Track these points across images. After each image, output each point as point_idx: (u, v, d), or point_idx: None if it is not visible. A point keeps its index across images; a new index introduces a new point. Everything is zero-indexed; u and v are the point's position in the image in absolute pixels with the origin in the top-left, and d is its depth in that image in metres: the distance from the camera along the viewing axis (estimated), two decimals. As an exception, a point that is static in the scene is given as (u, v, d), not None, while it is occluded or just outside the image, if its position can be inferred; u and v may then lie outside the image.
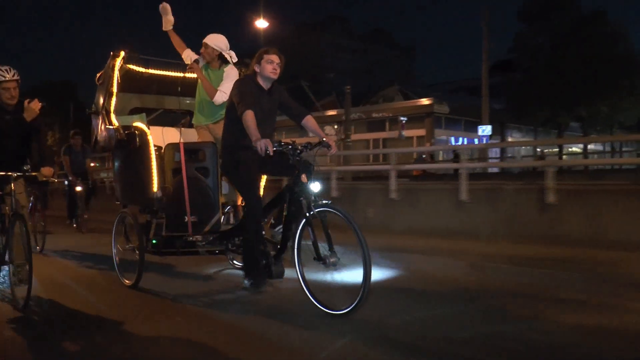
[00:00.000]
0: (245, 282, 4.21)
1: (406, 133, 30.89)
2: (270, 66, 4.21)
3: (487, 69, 24.47)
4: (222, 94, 4.92)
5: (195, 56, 5.24)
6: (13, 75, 4.42)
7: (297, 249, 4.00)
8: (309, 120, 4.38)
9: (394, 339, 3.37)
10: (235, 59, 5.17)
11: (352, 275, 3.90)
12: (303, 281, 3.97)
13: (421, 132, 31.99)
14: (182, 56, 5.32)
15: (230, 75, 5.02)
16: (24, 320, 3.98)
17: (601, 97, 27.95)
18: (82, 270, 6.03)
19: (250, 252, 4.22)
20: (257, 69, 4.26)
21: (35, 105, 4.52)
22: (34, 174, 4.43)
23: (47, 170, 4.42)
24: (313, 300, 3.89)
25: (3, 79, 4.38)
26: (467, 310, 4.13)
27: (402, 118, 30.72)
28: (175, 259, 5.68)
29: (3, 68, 4.42)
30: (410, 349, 3.19)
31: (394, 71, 33.55)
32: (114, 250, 5.18)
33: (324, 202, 3.89)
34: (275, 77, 4.27)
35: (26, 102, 4.52)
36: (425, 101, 32.19)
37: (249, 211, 4.25)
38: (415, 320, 3.77)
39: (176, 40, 5.35)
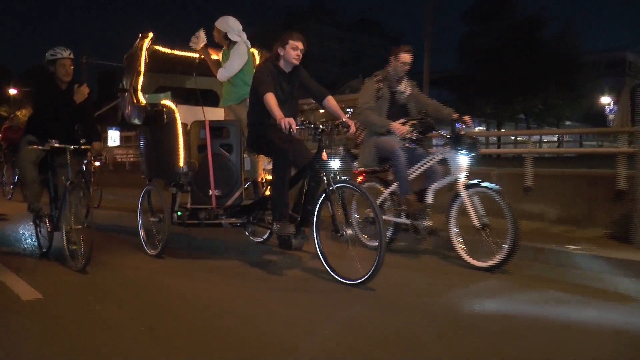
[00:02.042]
0: (274, 226, 4.44)
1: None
2: (294, 52, 4.45)
3: (428, 64, 26.32)
4: (222, 71, 5.26)
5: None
6: (69, 54, 4.97)
7: (316, 222, 4.25)
8: (329, 101, 4.62)
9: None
10: (245, 39, 5.41)
11: (367, 247, 4.14)
12: (321, 252, 4.21)
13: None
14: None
15: (234, 53, 5.27)
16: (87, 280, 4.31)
17: (533, 93, 31.79)
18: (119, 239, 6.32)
19: (278, 199, 4.43)
20: (280, 52, 4.49)
21: (85, 90, 5.00)
22: (87, 147, 4.84)
23: (97, 145, 4.96)
24: (330, 270, 4.14)
25: (61, 56, 4.93)
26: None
27: (348, 109, 31.44)
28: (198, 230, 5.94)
29: (60, 48, 4.97)
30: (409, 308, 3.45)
31: (381, 60, 33.85)
32: (140, 222, 5.47)
33: (342, 178, 4.14)
34: (297, 62, 4.52)
35: (76, 86, 4.98)
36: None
37: (277, 160, 4.45)
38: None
39: (209, 59, 5.55)
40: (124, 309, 3.55)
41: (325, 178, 4.13)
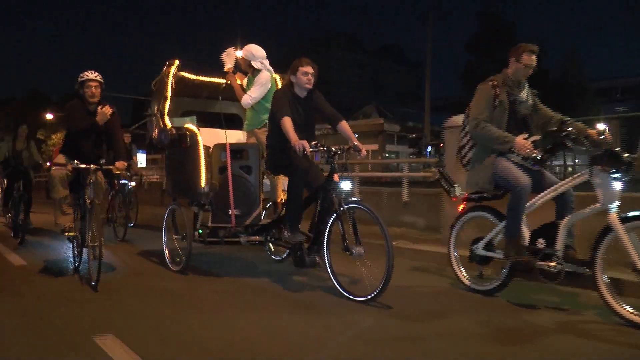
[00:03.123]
0: (285, 234, 4.72)
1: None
2: (305, 78, 4.71)
3: (429, 91, 27.26)
4: (248, 97, 5.52)
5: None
6: (95, 77, 5.27)
7: (327, 240, 4.43)
8: (343, 125, 4.85)
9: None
10: (268, 67, 5.68)
11: (376, 265, 4.21)
12: (331, 270, 4.40)
13: (374, 147, 37.39)
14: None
15: (259, 81, 5.56)
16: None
17: None
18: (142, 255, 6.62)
19: (292, 211, 4.71)
20: (293, 79, 4.76)
21: (107, 110, 5.21)
22: (109, 167, 5.12)
23: (120, 164, 5.18)
24: (339, 287, 4.31)
25: (87, 78, 5.25)
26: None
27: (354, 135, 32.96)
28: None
29: (88, 71, 5.30)
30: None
31: (402, 86, 34.86)
32: (164, 239, 5.74)
33: (353, 199, 4.33)
34: (310, 87, 4.77)
35: (99, 107, 5.22)
36: (377, 121, 36.42)
37: (293, 177, 4.68)
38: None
39: (235, 85, 5.79)
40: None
41: (336, 199, 4.33)
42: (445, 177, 4.74)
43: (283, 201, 5.56)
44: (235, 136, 5.95)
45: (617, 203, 3.67)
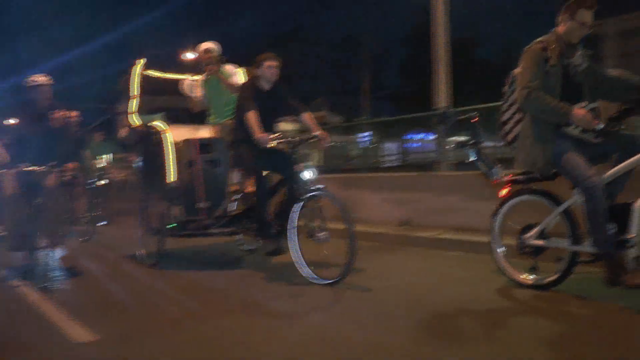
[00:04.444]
0: (259, 242, 4.90)
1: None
2: (269, 71, 4.86)
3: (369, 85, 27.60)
4: (200, 99, 5.87)
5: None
6: (46, 80, 5.24)
7: (294, 227, 4.57)
8: (307, 116, 5.01)
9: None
10: (221, 66, 5.88)
11: (340, 249, 4.31)
12: (301, 256, 4.53)
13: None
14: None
15: (233, 70, 5.83)
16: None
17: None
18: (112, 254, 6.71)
19: (260, 217, 4.87)
20: (258, 73, 4.90)
21: (61, 115, 5.23)
22: (59, 169, 5.12)
23: (71, 165, 5.19)
24: (308, 271, 4.46)
25: (37, 83, 5.20)
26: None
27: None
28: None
29: (37, 74, 5.27)
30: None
31: (365, 78, 36.02)
32: (139, 235, 5.85)
33: (316, 186, 4.48)
34: (274, 79, 4.92)
35: (55, 112, 5.22)
36: (319, 114, 38.95)
37: (258, 189, 4.86)
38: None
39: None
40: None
41: (301, 187, 4.50)
42: (483, 157, 4.16)
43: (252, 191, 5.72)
44: (205, 131, 6.07)
45: None
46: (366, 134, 19.58)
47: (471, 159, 4.12)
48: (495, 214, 4.14)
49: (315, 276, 4.41)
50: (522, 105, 3.68)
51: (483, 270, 4.47)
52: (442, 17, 13.26)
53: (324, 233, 4.37)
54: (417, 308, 3.65)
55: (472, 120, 3.98)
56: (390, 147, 17.61)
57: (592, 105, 3.68)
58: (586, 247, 3.58)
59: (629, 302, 3.37)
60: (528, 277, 3.93)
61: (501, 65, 41.01)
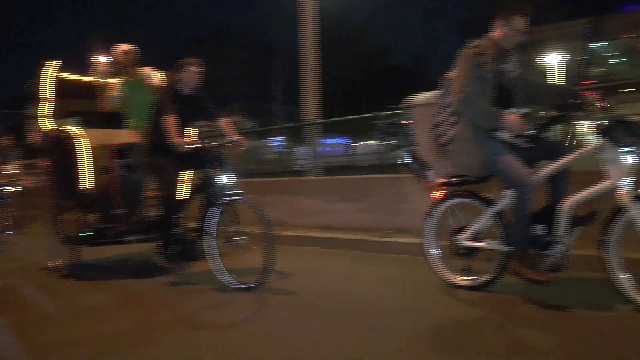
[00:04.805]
0: (164, 256, 4.81)
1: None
2: (193, 75, 4.83)
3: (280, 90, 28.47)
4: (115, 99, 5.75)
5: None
6: None
7: (212, 233, 4.52)
8: (224, 122, 5.01)
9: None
10: (136, 69, 5.80)
11: (258, 254, 4.31)
12: (219, 261, 4.49)
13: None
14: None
15: (152, 73, 5.76)
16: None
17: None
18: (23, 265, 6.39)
19: (167, 232, 4.81)
20: (179, 77, 4.85)
21: None
22: None
23: None
24: (227, 277, 4.43)
25: None
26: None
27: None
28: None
29: None
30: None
31: (279, 83, 36.91)
32: (51, 246, 5.61)
33: (234, 191, 4.46)
34: (196, 84, 4.88)
35: None
36: (235, 119, 39.75)
37: (166, 199, 4.81)
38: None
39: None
40: None
41: (218, 191, 4.47)
42: (418, 159, 4.17)
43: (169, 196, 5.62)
44: (122, 135, 5.91)
45: (630, 179, 3.20)
46: (279, 139, 19.65)
47: (405, 162, 4.11)
48: (428, 216, 4.17)
49: (235, 282, 4.39)
50: (456, 109, 3.71)
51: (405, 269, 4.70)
52: (311, 29, 14.02)
53: (242, 238, 4.36)
54: (347, 307, 3.75)
55: (404, 123, 4.04)
56: (303, 151, 17.86)
57: (524, 111, 3.73)
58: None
59: (563, 299, 3.56)
60: (462, 278, 3.99)
61: (414, 70, 42.97)
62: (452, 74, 3.81)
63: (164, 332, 3.50)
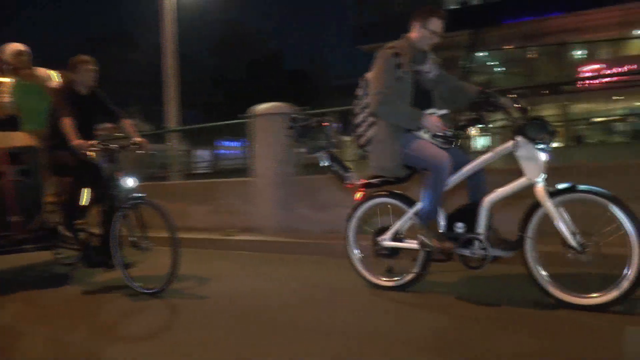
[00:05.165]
0: (76, 258, 4.71)
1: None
2: (86, 74, 4.74)
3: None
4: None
5: None
6: None
7: (115, 238, 4.45)
8: (125, 123, 4.96)
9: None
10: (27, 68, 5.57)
11: (164, 258, 4.23)
12: (122, 266, 4.44)
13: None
14: None
15: (47, 74, 5.56)
16: None
17: None
18: None
19: (73, 232, 4.73)
20: (73, 76, 4.74)
21: None
22: None
23: None
24: (131, 282, 4.38)
25: None
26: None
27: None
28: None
29: None
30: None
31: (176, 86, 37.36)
32: None
33: (137, 195, 4.39)
34: (93, 83, 4.82)
35: None
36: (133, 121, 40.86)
37: (67, 204, 4.72)
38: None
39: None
40: None
41: (120, 195, 4.40)
42: (338, 160, 4.12)
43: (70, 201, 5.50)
44: (15, 138, 5.68)
45: (543, 176, 3.30)
46: (176, 142, 19.39)
47: (324, 164, 4.07)
48: (349, 217, 4.16)
49: (142, 287, 4.33)
50: (375, 110, 3.71)
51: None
52: (170, 42, 14.47)
53: (146, 242, 4.32)
54: (255, 310, 3.73)
55: (323, 124, 4.02)
56: (202, 154, 17.84)
57: (442, 112, 3.77)
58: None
59: (483, 295, 3.65)
60: (385, 279, 3.99)
61: (310, 72, 44.88)
62: (369, 75, 3.84)
63: (83, 348, 3.28)
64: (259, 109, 6.73)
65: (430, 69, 3.83)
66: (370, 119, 3.87)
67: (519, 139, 3.32)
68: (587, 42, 28.33)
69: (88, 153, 4.34)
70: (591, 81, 22.26)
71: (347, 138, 6.16)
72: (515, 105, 3.39)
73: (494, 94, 3.47)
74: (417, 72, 3.76)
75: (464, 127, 3.66)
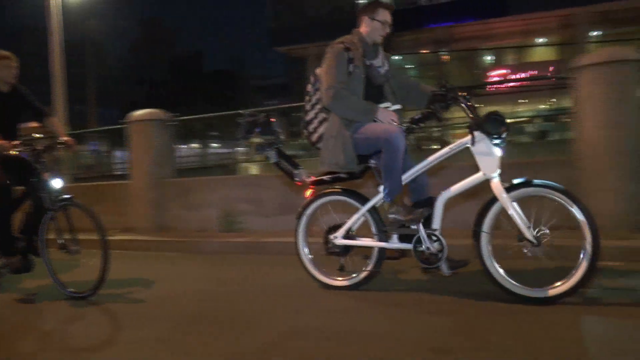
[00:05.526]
0: (3, 261, 4.31)
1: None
2: (8, 70, 4.40)
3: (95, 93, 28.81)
4: None
5: None
6: None
7: (42, 241, 4.18)
8: (52, 121, 4.66)
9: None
10: None
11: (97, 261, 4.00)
12: (50, 270, 4.20)
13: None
14: None
15: None
16: None
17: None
18: None
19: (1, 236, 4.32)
20: None
21: None
22: None
23: None
24: (60, 286, 4.14)
25: None
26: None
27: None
28: None
29: None
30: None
31: (92, 86, 36.22)
32: None
33: (65, 196, 4.12)
34: (14, 80, 4.46)
35: None
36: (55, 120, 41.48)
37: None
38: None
39: None
40: None
41: (47, 197, 4.10)
42: (286, 157, 3.95)
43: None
44: None
45: (499, 171, 3.27)
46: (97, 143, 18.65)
47: (272, 161, 3.91)
48: (299, 216, 4.00)
49: (72, 291, 4.10)
50: (328, 104, 3.62)
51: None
52: (57, 47, 14.30)
53: (75, 245, 4.06)
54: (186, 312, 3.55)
55: (271, 120, 3.84)
56: (121, 155, 17.22)
57: (396, 107, 3.73)
58: (391, 243, 3.62)
59: (439, 290, 3.60)
60: (337, 278, 3.86)
61: (232, 73, 45.75)
62: (319, 70, 3.76)
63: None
64: (134, 116, 7.11)
65: (381, 63, 3.77)
66: (322, 116, 3.81)
67: (477, 133, 3.29)
68: (495, 49, 30.05)
69: (12, 152, 3.96)
70: (499, 85, 23.52)
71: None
72: (468, 103, 3.35)
73: (453, 90, 3.39)
74: (369, 66, 3.69)
75: (418, 122, 3.57)
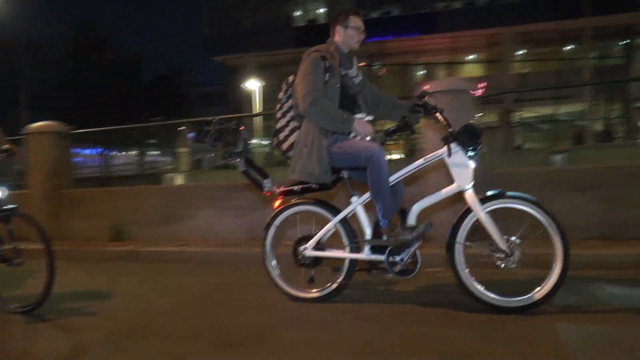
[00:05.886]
0: None
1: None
2: None
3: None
4: None
5: None
6: None
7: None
8: None
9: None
10: None
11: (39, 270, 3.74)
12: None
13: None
14: None
15: None
16: None
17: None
18: None
19: None
20: None
21: None
22: None
23: None
24: (8, 302, 3.84)
25: None
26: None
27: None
28: None
29: None
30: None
31: (22, 89, 34.97)
32: None
33: (9, 206, 3.83)
34: None
35: None
36: None
37: None
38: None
39: None
40: None
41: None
42: (255, 167, 3.81)
43: None
44: None
45: (472, 183, 3.24)
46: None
47: (240, 170, 3.74)
48: (267, 226, 3.83)
49: (16, 305, 3.78)
50: (304, 111, 3.49)
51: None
52: None
53: (19, 257, 3.75)
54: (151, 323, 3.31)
55: (239, 129, 3.70)
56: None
57: (369, 118, 3.66)
58: (363, 255, 3.51)
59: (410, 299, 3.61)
60: (304, 290, 3.73)
61: (170, 80, 43.77)
62: (293, 78, 3.70)
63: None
64: (31, 127, 7.24)
65: (356, 73, 3.71)
66: (293, 124, 3.69)
67: (453, 145, 3.26)
68: (427, 64, 31.04)
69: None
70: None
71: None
72: (443, 117, 3.32)
73: (428, 103, 3.37)
74: (344, 76, 3.61)
75: (392, 133, 3.48)
